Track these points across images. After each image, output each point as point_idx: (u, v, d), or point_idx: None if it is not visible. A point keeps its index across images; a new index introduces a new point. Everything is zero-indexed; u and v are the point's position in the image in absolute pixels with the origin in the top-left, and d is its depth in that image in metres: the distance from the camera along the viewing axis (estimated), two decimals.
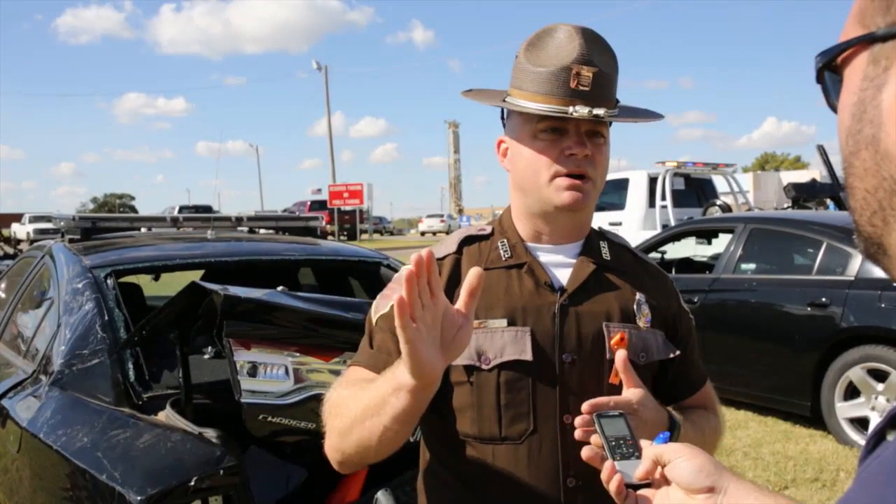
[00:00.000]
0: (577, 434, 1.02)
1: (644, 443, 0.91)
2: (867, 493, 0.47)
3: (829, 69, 0.54)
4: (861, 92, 0.50)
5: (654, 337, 1.26)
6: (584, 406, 1.04)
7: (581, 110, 1.14)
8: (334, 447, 1.17)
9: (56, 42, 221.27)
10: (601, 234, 1.34)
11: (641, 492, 0.87)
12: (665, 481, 0.86)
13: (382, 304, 1.25)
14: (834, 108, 0.54)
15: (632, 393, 1.12)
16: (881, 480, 0.46)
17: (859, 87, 0.50)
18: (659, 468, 0.86)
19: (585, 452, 0.93)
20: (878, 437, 0.51)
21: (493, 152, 1.33)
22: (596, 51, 1.17)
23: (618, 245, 1.34)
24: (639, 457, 0.90)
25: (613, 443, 0.93)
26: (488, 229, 1.32)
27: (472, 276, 0.98)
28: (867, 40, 0.50)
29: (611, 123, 1.24)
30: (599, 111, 1.15)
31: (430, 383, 0.99)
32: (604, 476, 0.89)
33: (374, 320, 1.26)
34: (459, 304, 0.99)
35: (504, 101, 1.24)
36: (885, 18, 0.49)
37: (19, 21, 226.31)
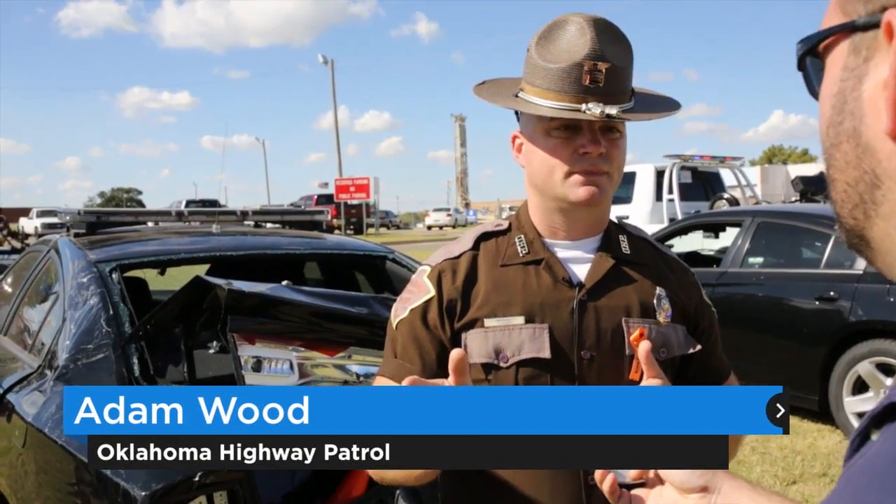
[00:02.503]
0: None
1: None
2: (849, 494, 0.46)
3: (811, 56, 0.52)
4: (842, 83, 0.48)
5: (674, 332, 1.24)
6: None
7: (594, 109, 1.11)
8: (375, 474, 1.20)
9: (58, 36, 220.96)
10: (620, 228, 1.32)
11: (635, 491, 0.86)
12: (659, 480, 0.85)
13: (401, 309, 1.25)
14: (816, 96, 0.52)
15: (648, 384, 1.09)
16: (863, 481, 0.45)
17: (840, 78, 0.49)
18: None
19: None
20: (863, 437, 0.50)
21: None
22: (609, 43, 1.14)
23: (637, 238, 1.32)
24: None
25: None
26: (505, 225, 1.29)
27: (454, 358, 0.95)
28: (848, 29, 0.48)
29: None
30: (612, 109, 1.12)
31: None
32: (597, 476, 0.87)
33: (394, 325, 1.25)
34: (450, 383, 0.97)
35: (516, 96, 1.22)
36: (865, 6, 0.47)
37: (20, 15, 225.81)
